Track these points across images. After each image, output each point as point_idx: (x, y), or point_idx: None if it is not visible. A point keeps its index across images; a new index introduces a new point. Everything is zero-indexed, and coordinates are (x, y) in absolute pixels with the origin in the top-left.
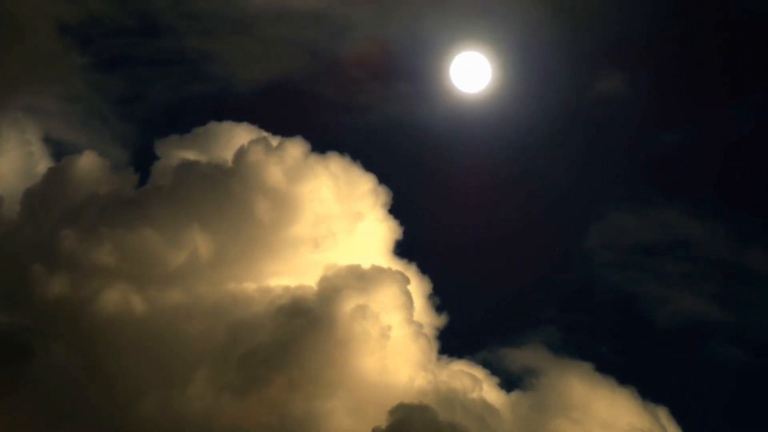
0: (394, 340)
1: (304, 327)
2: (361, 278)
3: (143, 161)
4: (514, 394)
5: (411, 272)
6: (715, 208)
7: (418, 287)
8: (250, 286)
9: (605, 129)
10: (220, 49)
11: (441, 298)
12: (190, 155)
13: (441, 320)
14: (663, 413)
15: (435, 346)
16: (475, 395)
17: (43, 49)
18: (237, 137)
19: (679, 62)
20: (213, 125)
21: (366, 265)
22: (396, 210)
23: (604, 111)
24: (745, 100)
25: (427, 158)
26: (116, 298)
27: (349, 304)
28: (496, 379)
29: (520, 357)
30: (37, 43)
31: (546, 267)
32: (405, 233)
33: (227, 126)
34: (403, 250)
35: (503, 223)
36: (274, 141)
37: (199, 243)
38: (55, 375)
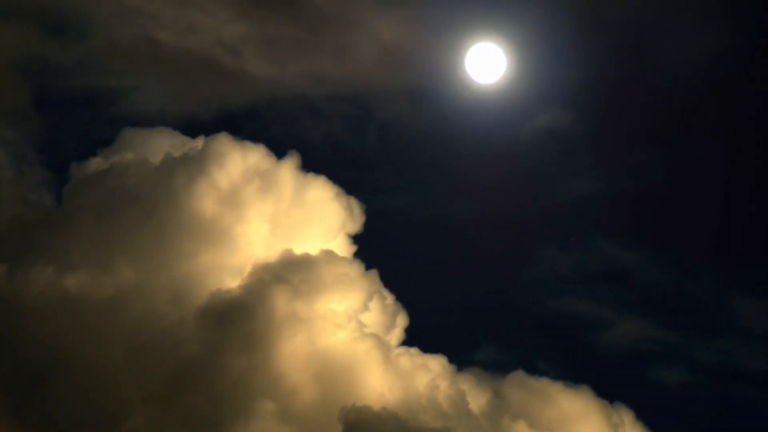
0: (342, 339)
1: (231, 335)
2: (297, 270)
3: None
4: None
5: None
6: (648, 240)
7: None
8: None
9: (540, 163)
10: (142, 85)
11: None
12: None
13: None
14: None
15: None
16: (439, 391)
17: None
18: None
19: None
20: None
21: (303, 254)
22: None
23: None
24: (676, 145)
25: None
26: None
27: (282, 299)
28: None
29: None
30: None
31: (490, 294)
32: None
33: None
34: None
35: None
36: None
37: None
38: None
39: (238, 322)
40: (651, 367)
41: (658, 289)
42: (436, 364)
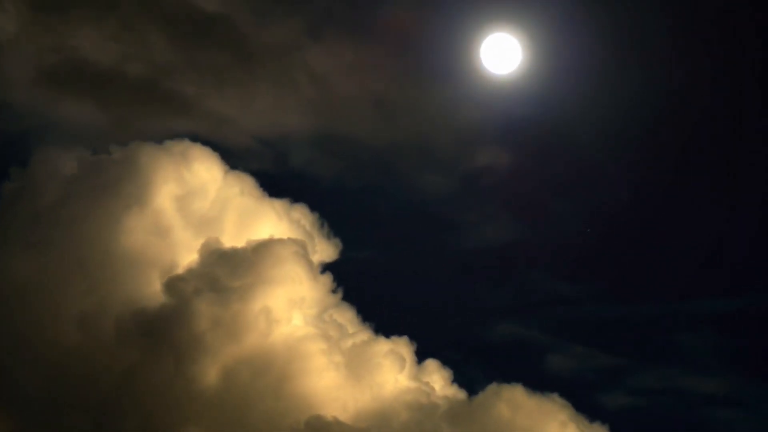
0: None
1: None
2: (241, 262)
3: None
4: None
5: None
6: (575, 272)
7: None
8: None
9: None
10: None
11: None
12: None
13: None
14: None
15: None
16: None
17: None
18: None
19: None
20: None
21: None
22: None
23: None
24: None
25: None
26: None
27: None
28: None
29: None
30: None
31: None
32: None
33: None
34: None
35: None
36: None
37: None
38: None
39: (161, 340)
40: (592, 392)
41: (591, 318)
42: (396, 360)
